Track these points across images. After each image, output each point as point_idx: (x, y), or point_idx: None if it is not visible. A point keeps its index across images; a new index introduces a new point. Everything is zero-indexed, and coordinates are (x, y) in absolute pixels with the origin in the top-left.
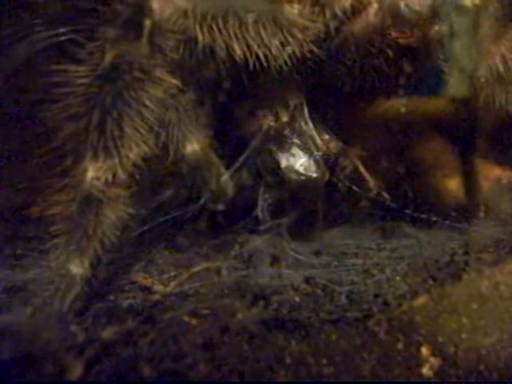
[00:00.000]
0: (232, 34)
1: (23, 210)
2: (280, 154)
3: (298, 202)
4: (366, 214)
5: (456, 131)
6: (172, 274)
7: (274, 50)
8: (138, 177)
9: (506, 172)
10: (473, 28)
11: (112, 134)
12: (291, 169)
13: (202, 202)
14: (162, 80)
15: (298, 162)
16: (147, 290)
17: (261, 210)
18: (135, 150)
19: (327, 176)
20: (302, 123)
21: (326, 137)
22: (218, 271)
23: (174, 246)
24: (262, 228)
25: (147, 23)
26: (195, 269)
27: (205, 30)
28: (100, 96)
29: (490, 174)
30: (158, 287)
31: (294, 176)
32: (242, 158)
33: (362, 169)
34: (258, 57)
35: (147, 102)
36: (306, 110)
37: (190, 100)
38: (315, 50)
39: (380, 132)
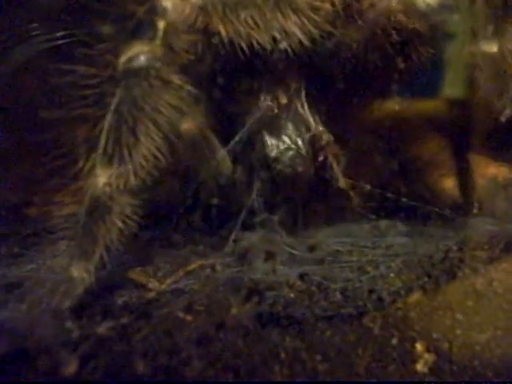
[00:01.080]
0: (252, 22)
1: (20, 209)
2: (271, 140)
3: (290, 196)
4: (360, 212)
5: (451, 130)
6: (167, 271)
7: (290, 34)
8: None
9: (501, 170)
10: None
11: (127, 142)
12: (279, 159)
13: (199, 179)
14: (176, 85)
15: (287, 152)
16: (142, 287)
17: (256, 204)
18: (149, 157)
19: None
20: (299, 107)
21: (320, 127)
22: (213, 268)
23: (170, 243)
24: (256, 222)
25: (161, 24)
26: (190, 266)
27: (227, 22)
28: (114, 102)
29: (486, 172)
30: (154, 284)
31: (280, 166)
32: (237, 137)
33: (335, 167)
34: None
35: (162, 109)
36: (303, 95)
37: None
38: (332, 30)
39: (376, 132)
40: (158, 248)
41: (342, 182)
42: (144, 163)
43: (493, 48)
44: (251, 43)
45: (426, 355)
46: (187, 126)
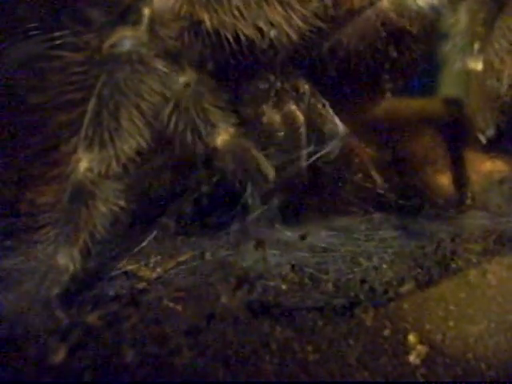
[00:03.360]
0: (238, 14)
1: (12, 204)
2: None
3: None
4: (354, 205)
5: (447, 127)
6: (158, 261)
7: (277, 25)
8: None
9: (496, 165)
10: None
11: (108, 126)
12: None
13: (247, 193)
14: (161, 71)
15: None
16: (133, 276)
17: (250, 194)
18: (131, 142)
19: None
20: (320, 107)
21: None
22: (202, 256)
23: (162, 234)
24: (251, 213)
25: (146, 11)
26: (182, 257)
27: (212, 13)
28: (97, 86)
29: (481, 167)
30: (145, 273)
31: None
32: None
33: (370, 166)
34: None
35: (145, 95)
36: (319, 95)
37: (211, 89)
38: (319, 23)
39: (371, 129)
40: (150, 238)
41: (380, 182)
42: (126, 148)
43: (478, 66)
44: (237, 34)
45: (419, 347)
46: (222, 138)
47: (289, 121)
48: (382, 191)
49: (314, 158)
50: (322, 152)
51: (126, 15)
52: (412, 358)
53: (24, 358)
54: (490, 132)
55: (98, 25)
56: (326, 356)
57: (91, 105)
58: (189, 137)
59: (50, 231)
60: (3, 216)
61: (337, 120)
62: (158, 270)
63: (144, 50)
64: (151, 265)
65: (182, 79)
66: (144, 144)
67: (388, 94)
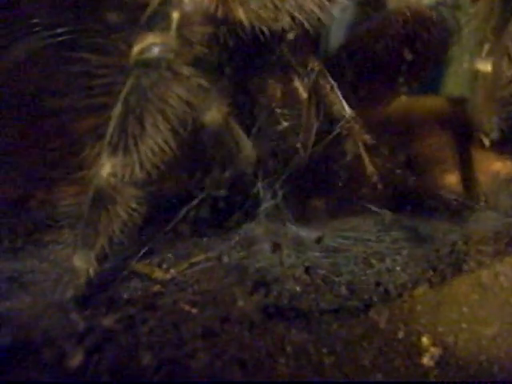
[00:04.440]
0: (274, 6)
1: (22, 203)
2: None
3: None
4: (365, 205)
5: (455, 127)
6: (172, 263)
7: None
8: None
9: (505, 166)
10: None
11: (133, 132)
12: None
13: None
14: (188, 79)
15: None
16: (147, 277)
17: (262, 192)
18: (155, 149)
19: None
20: (329, 89)
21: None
22: (219, 259)
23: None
24: (262, 211)
25: (175, 15)
26: (195, 258)
27: (246, 7)
28: (123, 92)
29: (490, 168)
30: (158, 274)
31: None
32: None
33: (364, 153)
34: None
35: (171, 101)
36: (329, 77)
37: (209, 67)
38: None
39: (381, 127)
40: (163, 240)
41: (371, 170)
42: (150, 155)
43: (487, 67)
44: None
45: (432, 349)
46: (211, 115)
47: (292, 97)
48: (373, 180)
49: (322, 143)
50: (330, 136)
51: (155, 20)
52: (425, 360)
53: (40, 362)
54: (495, 135)
55: (126, 29)
56: (341, 358)
57: (117, 110)
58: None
59: (69, 233)
60: (13, 216)
61: (343, 102)
62: (172, 271)
63: (172, 57)
64: (164, 266)
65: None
66: (168, 151)
67: (400, 94)
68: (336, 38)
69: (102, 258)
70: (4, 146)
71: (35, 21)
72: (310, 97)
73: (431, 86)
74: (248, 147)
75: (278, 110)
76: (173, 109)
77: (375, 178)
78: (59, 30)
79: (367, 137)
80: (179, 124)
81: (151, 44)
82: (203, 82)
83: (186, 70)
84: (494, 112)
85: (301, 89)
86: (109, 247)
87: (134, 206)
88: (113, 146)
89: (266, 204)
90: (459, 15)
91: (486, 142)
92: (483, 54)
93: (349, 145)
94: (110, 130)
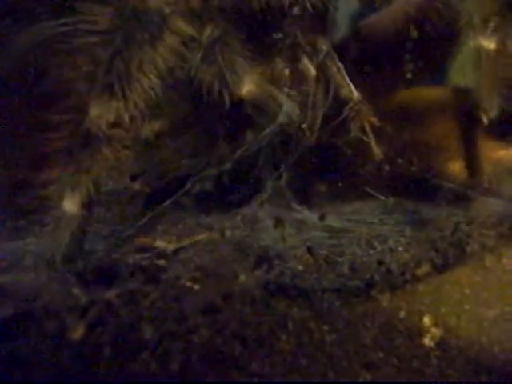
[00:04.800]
0: None
1: (24, 185)
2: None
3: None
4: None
5: (459, 115)
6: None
7: None
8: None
9: (509, 153)
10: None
11: (119, 75)
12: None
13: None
14: (179, 29)
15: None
16: (149, 249)
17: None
18: (141, 95)
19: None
20: (336, 70)
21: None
22: (222, 234)
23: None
24: (264, 189)
25: None
26: (198, 236)
27: None
28: (116, 39)
29: (493, 155)
30: (160, 244)
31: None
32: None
33: (371, 136)
34: None
35: (162, 51)
36: (337, 59)
37: (235, 39)
38: None
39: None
40: (166, 218)
41: (378, 153)
42: (137, 100)
43: (491, 45)
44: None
45: (434, 329)
46: (247, 88)
47: (300, 76)
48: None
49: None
50: (338, 119)
51: None
52: (426, 341)
53: (43, 334)
54: (493, 112)
55: None
56: (343, 336)
57: (105, 53)
58: (216, 87)
59: (57, 176)
60: (16, 196)
61: (351, 84)
62: (174, 243)
63: (169, 8)
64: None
65: (207, 33)
66: (154, 99)
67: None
68: (343, 24)
69: (88, 203)
70: (6, 126)
71: None
72: (317, 77)
73: (437, 76)
74: (288, 105)
75: (286, 90)
76: (162, 57)
77: (380, 161)
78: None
79: (374, 119)
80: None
81: None
82: (195, 34)
83: (180, 22)
84: (496, 90)
85: (309, 68)
86: (95, 191)
87: (120, 148)
88: (100, 88)
89: (271, 184)
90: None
91: (485, 119)
92: (488, 32)
93: (355, 127)
94: (99, 73)
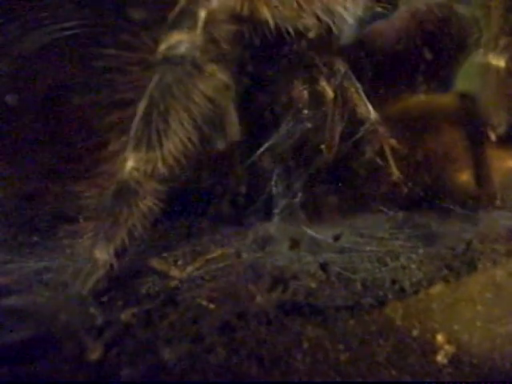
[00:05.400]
0: (299, 7)
1: (35, 198)
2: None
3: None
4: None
5: (468, 124)
6: (188, 259)
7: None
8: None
9: None
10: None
11: (157, 127)
12: None
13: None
14: (213, 76)
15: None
16: (164, 275)
17: (275, 191)
18: (178, 145)
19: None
20: (354, 91)
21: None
22: (238, 255)
23: (190, 232)
24: (276, 210)
25: (202, 13)
26: (211, 254)
27: (273, 9)
28: (149, 87)
29: (503, 165)
30: (174, 272)
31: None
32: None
33: (390, 157)
34: None
35: (196, 98)
36: (355, 79)
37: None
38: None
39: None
40: (179, 236)
41: (396, 174)
42: (173, 150)
43: (500, 62)
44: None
45: (447, 346)
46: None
47: (318, 98)
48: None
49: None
50: (354, 137)
51: (182, 17)
52: (440, 358)
53: (60, 355)
54: (502, 129)
55: (154, 26)
56: (356, 354)
57: (142, 105)
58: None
59: (90, 225)
60: (28, 210)
61: (369, 105)
62: (189, 268)
63: (198, 54)
64: (180, 262)
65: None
66: (192, 147)
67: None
68: (349, 33)
69: (121, 251)
70: (21, 140)
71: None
72: (335, 98)
73: (443, 83)
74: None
75: (304, 111)
76: (197, 106)
77: (400, 183)
78: (83, 26)
79: (393, 140)
80: (203, 121)
81: (178, 41)
82: (227, 79)
83: (210, 68)
84: (504, 107)
85: (326, 89)
86: (129, 241)
87: (156, 200)
88: (137, 140)
89: (285, 202)
90: (475, 11)
91: (493, 136)
92: (498, 49)
93: (371, 147)
94: (135, 124)
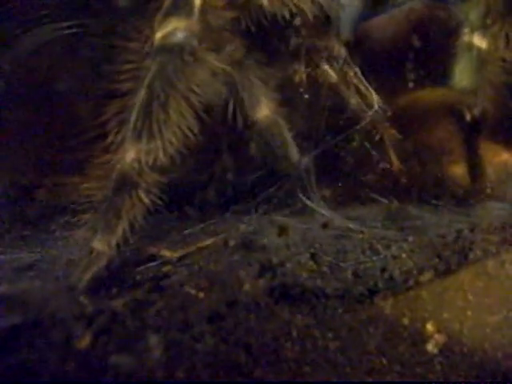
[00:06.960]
0: None
1: (29, 192)
2: None
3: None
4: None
5: (462, 118)
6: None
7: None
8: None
9: None
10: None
11: (157, 118)
12: None
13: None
14: (211, 64)
15: None
16: (153, 257)
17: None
18: (179, 134)
19: None
20: (354, 77)
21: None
22: (226, 244)
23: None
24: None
25: (198, 1)
26: (203, 243)
27: None
28: (147, 77)
29: (497, 158)
30: (165, 253)
31: None
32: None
33: (389, 146)
34: None
35: (195, 87)
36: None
37: (256, 62)
38: None
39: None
40: (171, 226)
41: (396, 163)
42: (174, 140)
43: (483, 44)
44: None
45: (437, 336)
46: (263, 113)
47: (321, 81)
48: (397, 173)
49: (350, 131)
50: (359, 125)
51: (178, 5)
52: (430, 347)
53: (49, 342)
54: (477, 112)
55: (149, 14)
56: (346, 343)
57: (141, 96)
58: (230, 109)
59: (90, 217)
60: (20, 203)
61: (371, 90)
62: (180, 251)
63: (195, 42)
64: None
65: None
66: (193, 137)
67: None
68: (345, 27)
69: (122, 243)
70: (15, 132)
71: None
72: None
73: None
74: (294, 153)
75: (304, 96)
76: (196, 94)
77: (399, 172)
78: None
79: (393, 131)
80: (202, 109)
81: (175, 29)
82: (225, 67)
83: (209, 56)
84: (482, 88)
85: (329, 73)
86: (130, 232)
87: (156, 191)
88: (137, 131)
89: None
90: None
91: (468, 116)
92: (482, 31)
93: (359, 135)
94: (134, 115)
